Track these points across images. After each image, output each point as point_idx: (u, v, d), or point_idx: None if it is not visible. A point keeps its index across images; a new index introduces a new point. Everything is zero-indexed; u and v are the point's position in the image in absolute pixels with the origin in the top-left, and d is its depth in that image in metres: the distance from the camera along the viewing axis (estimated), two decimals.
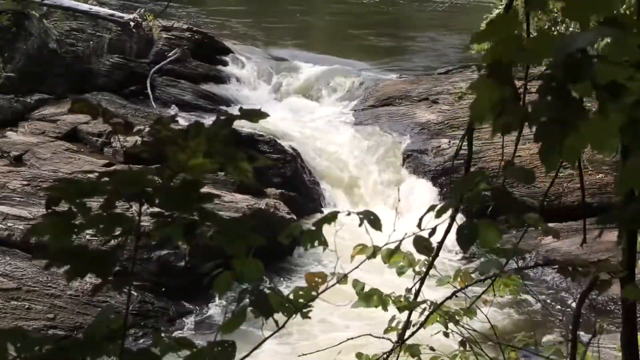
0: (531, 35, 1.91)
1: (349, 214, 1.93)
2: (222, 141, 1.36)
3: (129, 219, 1.35)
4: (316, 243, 1.88)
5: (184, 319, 7.23)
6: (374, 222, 1.91)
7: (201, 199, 1.35)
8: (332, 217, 1.89)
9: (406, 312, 2.97)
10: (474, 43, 1.43)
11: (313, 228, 1.88)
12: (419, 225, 1.88)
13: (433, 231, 1.88)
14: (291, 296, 1.91)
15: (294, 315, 1.73)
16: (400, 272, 3.06)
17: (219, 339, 1.45)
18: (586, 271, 2.31)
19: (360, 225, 1.93)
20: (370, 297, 3.08)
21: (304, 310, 1.75)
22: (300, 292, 1.99)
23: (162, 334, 1.44)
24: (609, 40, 1.33)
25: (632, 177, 1.33)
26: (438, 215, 1.75)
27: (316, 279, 2.08)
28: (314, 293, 1.94)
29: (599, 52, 1.36)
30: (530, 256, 8.15)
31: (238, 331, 1.55)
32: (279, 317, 1.62)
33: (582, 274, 2.32)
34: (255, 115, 1.47)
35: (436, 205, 1.79)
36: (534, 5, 1.59)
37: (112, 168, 8.18)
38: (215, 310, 7.30)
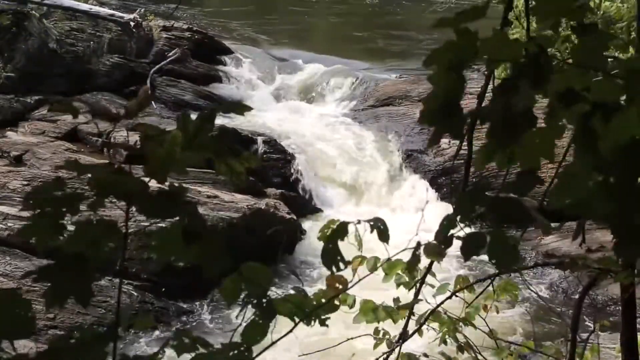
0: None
1: (358, 222, 1.87)
2: (206, 134, 1.33)
3: (115, 228, 1.33)
4: (342, 266, 1.81)
5: (183, 318, 7.23)
6: (383, 232, 1.86)
7: (182, 200, 1.33)
8: (343, 230, 1.82)
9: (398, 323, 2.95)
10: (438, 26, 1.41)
11: (330, 246, 1.80)
12: (436, 238, 1.83)
13: (450, 241, 1.82)
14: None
15: (312, 323, 1.67)
16: (399, 283, 3.03)
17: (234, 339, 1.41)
18: (585, 263, 2.31)
19: (371, 232, 1.87)
20: (376, 311, 3.02)
21: (322, 317, 1.69)
22: (321, 296, 1.90)
23: (180, 334, 1.39)
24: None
25: (565, 189, 1.28)
26: (445, 232, 1.70)
27: (337, 284, 1.98)
28: (336, 302, 1.85)
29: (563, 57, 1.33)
30: (530, 256, 8.15)
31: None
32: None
33: (582, 266, 2.32)
34: (238, 108, 1.45)
35: (450, 217, 1.74)
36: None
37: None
38: (214, 310, 7.30)
